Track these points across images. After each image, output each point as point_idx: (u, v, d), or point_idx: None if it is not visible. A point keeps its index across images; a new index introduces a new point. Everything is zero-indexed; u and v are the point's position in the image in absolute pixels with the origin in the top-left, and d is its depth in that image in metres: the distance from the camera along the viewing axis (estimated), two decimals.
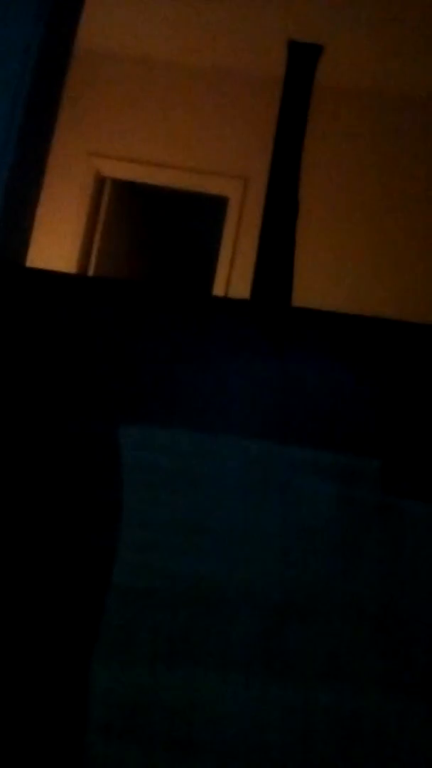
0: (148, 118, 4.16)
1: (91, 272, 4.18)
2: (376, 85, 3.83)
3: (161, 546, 0.97)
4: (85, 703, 0.89)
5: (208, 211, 4.44)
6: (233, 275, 4.04)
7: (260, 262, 1.46)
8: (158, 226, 5.04)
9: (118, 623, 0.93)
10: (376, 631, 0.93)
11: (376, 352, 1.08)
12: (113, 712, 0.89)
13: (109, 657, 0.91)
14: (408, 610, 0.94)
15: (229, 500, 0.99)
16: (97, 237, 4.23)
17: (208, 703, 0.90)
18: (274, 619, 0.93)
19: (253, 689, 0.90)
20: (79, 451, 1.03)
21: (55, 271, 1.24)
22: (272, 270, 1.43)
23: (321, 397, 1.06)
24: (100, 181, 4.25)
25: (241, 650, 0.92)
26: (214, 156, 4.13)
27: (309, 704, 0.90)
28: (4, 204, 1.38)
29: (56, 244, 3.93)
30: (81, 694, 0.90)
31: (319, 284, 3.48)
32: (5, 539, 0.99)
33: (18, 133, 1.47)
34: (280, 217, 1.47)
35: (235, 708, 0.90)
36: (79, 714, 0.89)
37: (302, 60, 1.48)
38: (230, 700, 0.90)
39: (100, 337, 1.08)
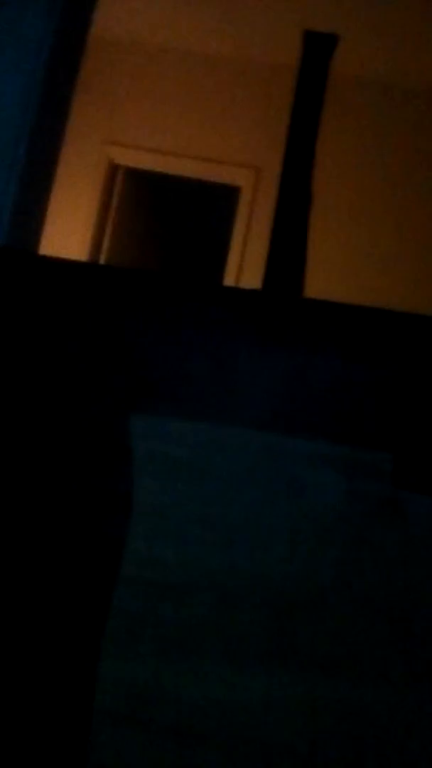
0: (162, 107, 4.15)
1: (102, 260, 4.17)
2: (392, 75, 3.80)
3: (170, 537, 0.97)
4: (91, 692, 0.90)
5: (220, 201, 4.42)
6: (244, 265, 4.03)
7: (273, 252, 1.45)
8: (170, 215, 5.03)
9: (126, 613, 0.93)
10: (385, 624, 0.93)
11: (387, 344, 1.07)
12: (120, 701, 0.89)
13: (117, 647, 0.92)
14: (417, 604, 0.94)
15: (238, 492, 0.99)
16: (109, 225, 4.23)
17: (214, 695, 0.90)
18: (282, 611, 0.93)
19: (260, 681, 0.91)
20: (89, 441, 1.03)
21: (67, 259, 1.24)
22: (284, 260, 1.43)
23: (331, 389, 1.06)
24: (113, 170, 4.24)
25: (249, 642, 0.92)
26: (227, 145, 4.11)
27: (316, 697, 0.90)
28: (18, 192, 1.38)
29: (68, 232, 3.93)
30: (88, 683, 0.90)
31: (330, 276, 3.47)
32: (15, 529, 1.00)
33: (33, 121, 1.48)
34: (294, 208, 1.46)
35: (242, 700, 0.90)
36: (85, 702, 0.90)
37: (317, 50, 1.48)
38: (237, 692, 0.90)
39: (111, 325, 1.08)
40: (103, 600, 0.94)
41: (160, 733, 0.88)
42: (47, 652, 0.95)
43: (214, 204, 4.66)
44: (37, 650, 0.95)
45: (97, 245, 4.17)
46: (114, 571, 0.95)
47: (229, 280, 4.02)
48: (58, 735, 0.91)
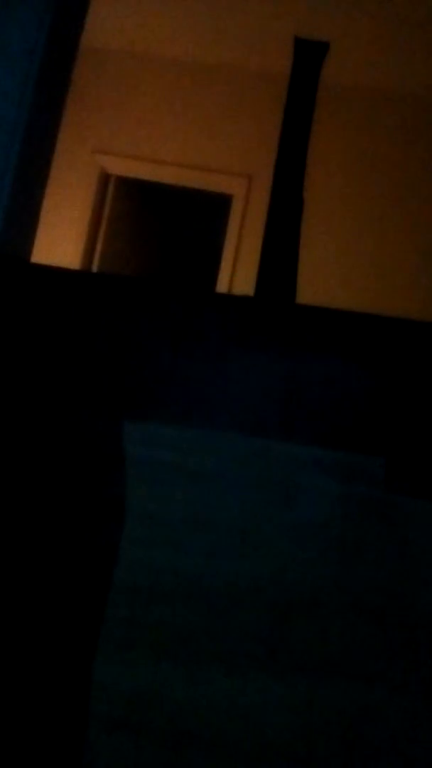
0: (153, 116, 4.16)
1: (94, 269, 4.18)
2: (382, 82, 3.83)
3: (164, 542, 0.97)
4: (87, 698, 0.90)
5: (211, 209, 4.43)
6: (237, 273, 4.04)
7: (265, 258, 1.46)
8: (162, 223, 5.04)
9: (122, 619, 0.93)
10: (380, 628, 0.94)
11: (379, 349, 1.08)
12: (116, 706, 0.89)
13: (113, 652, 0.91)
14: (411, 608, 0.94)
15: (233, 497, 1.00)
16: (101, 234, 4.23)
17: (210, 699, 0.90)
18: (277, 615, 0.93)
19: (256, 685, 0.91)
20: (83, 447, 1.03)
21: (60, 267, 1.24)
22: (277, 267, 1.43)
23: (324, 394, 1.06)
24: (105, 178, 4.25)
25: (244, 646, 0.92)
26: (219, 154, 4.13)
27: (312, 700, 0.90)
28: (9, 200, 1.38)
29: (61, 241, 3.93)
30: (84, 689, 0.90)
31: (323, 282, 3.48)
32: (9, 536, 0.99)
33: (24, 130, 1.48)
34: (285, 214, 1.47)
35: (238, 704, 0.90)
36: (81, 708, 0.90)
37: (308, 57, 1.48)
38: (233, 697, 0.90)
39: (104, 333, 1.09)
40: (97, 606, 0.94)
41: (156, 738, 0.87)
42: (43, 657, 0.95)
43: (205, 212, 4.67)
44: (32, 656, 0.95)
45: (89, 253, 4.17)
46: (108, 577, 0.95)
47: (221, 288, 4.03)
48: (55, 740, 0.91)
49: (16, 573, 0.98)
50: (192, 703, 0.89)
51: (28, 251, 1.56)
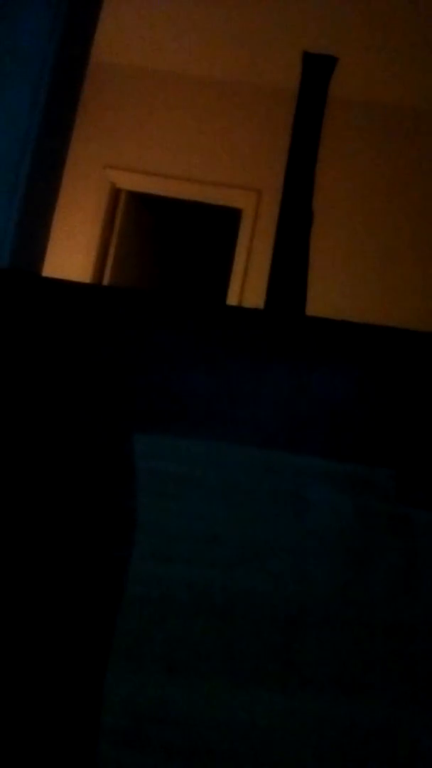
0: (163, 131, 4.19)
1: (105, 282, 4.20)
2: (390, 96, 3.84)
3: (174, 555, 0.97)
4: (98, 711, 0.89)
5: (221, 223, 4.45)
6: (246, 286, 4.05)
7: (274, 271, 1.46)
8: (172, 237, 5.06)
9: (132, 632, 0.93)
10: (389, 642, 0.93)
11: (389, 361, 1.07)
12: (126, 720, 0.89)
13: (123, 666, 0.91)
14: (421, 622, 0.93)
15: (242, 510, 0.99)
16: (112, 248, 4.25)
17: (219, 713, 0.89)
18: (288, 629, 0.93)
19: (265, 700, 0.90)
20: (93, 460, 1.03)
21: (71, 281, 1.25)
22: (286, 279, 1.44)
23: (334, 406, 1.06)
24: (115, 193, 4.28)
25: (254, 660, 0.92)
26: (228, 168, 4.15)
27: (321, 716, 0.89)
28: (21, 214, 1.40)
29: (72, 255, 3.96)
30: (94, 702, 0.90)
31: (333, 294, 3.48)
32: (20, 548, 0.99)
33: (35, 145, 1.49)
34: (295, 227, 1.47)
35: (248, 718, 0.89)
36: (91, 721, 0.89)
37: (316, 71, 1.49)
38: (242, 711, 0.90)
39: (115, 346, 1.09)
40: (107, 619, 0.93)
41: (166, 753, 0.87)
42: (53, 670, 0.95)
43: (215, 226, 4.69)
44: (43, 669, 0.95)
45: (100, 267, 4.20)
46: (118, 591, 0.95)
47: (231, 301, 4.04)
48: (65, 754, 0.91)
49: (25, 585, 0.98)
50: (202, 718, 0.89)
51: (40, 265, 1.57)
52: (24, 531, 1.00)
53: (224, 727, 0.89)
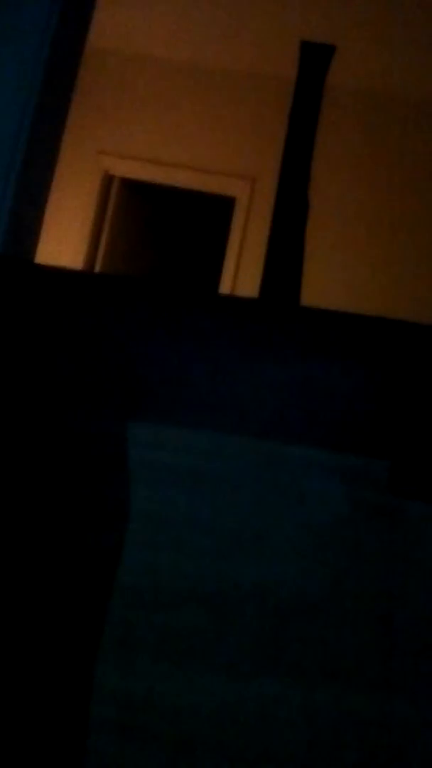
0: (157, 118, 4.16)
1: (97, 269, 4.18)
2: (388, 86, 3.83)
3: (167, 545, 0.97)
4: (88, 702, 0.89)
5: (214, 211, 4.44)
6: (240, 275, 4.04)
7: (270, 260, 1.45)
8: (165, 225, 5.04)
9: (123, 622, 0.93)
10: (383, 633, 0.93)
11: (384, 352, 1.07)
12: (117, 711, 0.89)
13: (114, 656, 0.91)
14: (416, 612, 0.94)
15: (236, 500, 0.99)
16: (105, 235, 4.23)
17: (212, 704, 0.89)
18: (280, 619, 0.93)
19: (257, 690, 0.90)
20: (87, 449, 1.03)
21: (64, 268, 1.24)
22: (281, 269, 1.43)
23: (329, 397, 1.06)
24: (108, 180, 4.25)
25: (247, 651, 0.92)
26: (222, 156, 4.13)
27: (314, 706, 0.89)
28: (14, 201, 1.38)
29: (64, 241, 3.93)
30: (84, 693, 0.90)
31: (328, 284, 3.48)
32: (11, 538, 0.99)
33: (28, 131, 1.48)
34: (290, 216, 1.47)
35: (239, 709, 0.90)
36: (82, 712, 0.89)
37: (314, 60, 1.48)
38: (234, 701, 0.90)
39: (108, 333, 1.08)
40: (99, 609, 0.93)
41: (157, 743, 0.87)
42: (43, 661, 0.94)
43: (209, 214, 4.68)
44: (33, 660, 0.94)
45: (91, 254, 4.18)
46: (110, 580, 0.94)
47: (224, 290, 4.03)
48: (55, 745, 0.91)
49: (16, 575, 0.98)
50: (194, 708, 0.89)
51: (33, 252, 1.56)
52: (14, 520, 1.00)
53: (215, 717, 0.89)
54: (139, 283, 1.14)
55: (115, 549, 0.96)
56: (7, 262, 1.26)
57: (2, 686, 0.93)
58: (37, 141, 1.50)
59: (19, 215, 1.41)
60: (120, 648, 0.92)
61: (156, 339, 1.08)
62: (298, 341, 1.09)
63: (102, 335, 1.08)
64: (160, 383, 1.06)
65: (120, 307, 1.10)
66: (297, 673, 0.91)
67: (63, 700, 0.92)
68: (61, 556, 0.98)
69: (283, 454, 1.01)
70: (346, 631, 0.93)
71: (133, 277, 4.47)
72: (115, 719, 0.88)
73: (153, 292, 1.14)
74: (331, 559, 0.96)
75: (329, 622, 0.93)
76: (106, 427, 1.03)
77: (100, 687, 0.90)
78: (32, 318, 1.09)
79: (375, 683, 0.91)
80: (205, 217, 4.85)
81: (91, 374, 1.06)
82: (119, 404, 1.05)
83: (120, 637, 0.92)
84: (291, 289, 1.42)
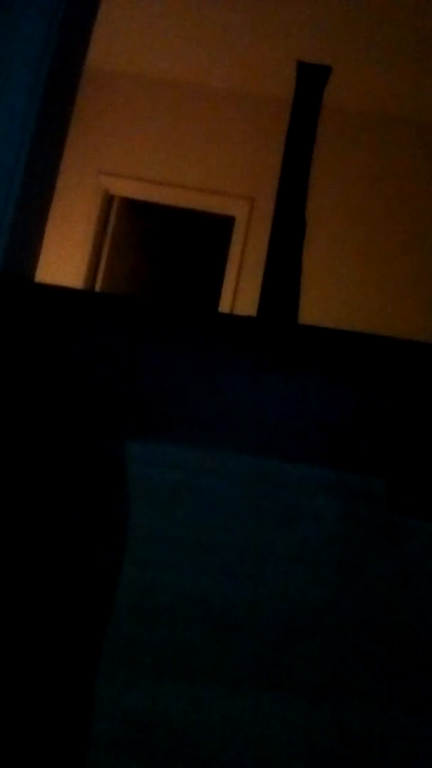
0: (156, 138, 4.20)
1: (98, 289, 4.20)
2: (384, 105, 3.86)
3: (165, 562, 0.97)
4: (88, 718, 0.89)
5: (214, 230, 4.46)
6: (239, 294, 4.05)
7: (267, 279, 1.46)
8: (165, 244, 5.06)
9: (123, 639, 0.93)
10: (382, 649, 0.93)
11: (382, 370, 1.08)
12: (117, 727, 0.88)
13: (114, 672, 0.91)
14: (413, 629, 0.93)
15: (233, 517, 0.99)
16: (105, 254, 4.25)
17: (211, 720, 0.89)
18: (280, 636, 0.93)
19: (258, 706, 0.90)
20: (85, 467, 1.03)
21: (63, 287, 1.25)
22: (279, 287, 1.44)
23: (326, 414, 1.06)
24: (108, 199, 4.28)
25: (245, 667, 0.92)
26: (221, 176, 4.16)
27: (313, 722, 0.89)
28: (14, 220, 1.39)
29: (64, 260, 3.95)
30: (85, 709, 0.90)
31: (325, 302, 3.49)
32: (11, 554, 0.99)
33: (28, 150, 1.49)
34: (288, 236, 1.48)
35: (239, 725, 0.89)
36: (82, 728, 0.89)
37: (311, 80, 1.50)
38: (233, 717, 0.89)
39: (107, 352, 1.09)
40: (99, 626, 0.93)
41: (157, 759, 0.87)
42: (44, 677, 0.94)
43: (208, 233, 4.70)
44: (34, 676, 0.94)
45: (92, 273, 4.19)
46: (110, 597, 0.94)
47: (224, 308, 4.04)
48: (55, 760, 0.90)
49: (17, 592, 0.97)
50: (193, 724, 0.88)
51: (33, 271, 1.57)
52: (15, 537, 1.00)
53: (214, 733, 0.88)
54: (139, 302, 1.14)
55: (114, 565, 0.96)
56: (6, 281, 1.27)
57: (3, 703, 0.93)
58: (37, 161, 1.51)
59: (19, 234, 1.42)
60: (119, 665, 0.92)
61: (155, 357, 1.08)
62: (295, 359, 1.09)
63: (101, 353, 1.09)
64: (160, 401, 1.07)
65: (119, 326, 1.10)
66: (297, 689, 0.91)
67: (63, 716, 0.92)
68: (60, 574, 0.98)
69: (281, 471, 1.01)
70: (345, 648, 0.93)
71: (132, 296, 4.48)
72: (115, 735, 0.88)
73: (153, 310, 1.15)
74: (329, 575, 0.96)
75: (328, 639, 0.93)
76: (105, 445, 1.03)
77: (101, 703, 0.90)
78: (31, 336, 1.09)
79: (375, 699, 0.91)
80: (204, 236, 4.88)
81: (90, 392, 1.07)
82: (118, 422, 1.05)
83: (119, 654, 0.92)
84: (289, 308, 1.43)
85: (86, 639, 0.94)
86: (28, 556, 0.99)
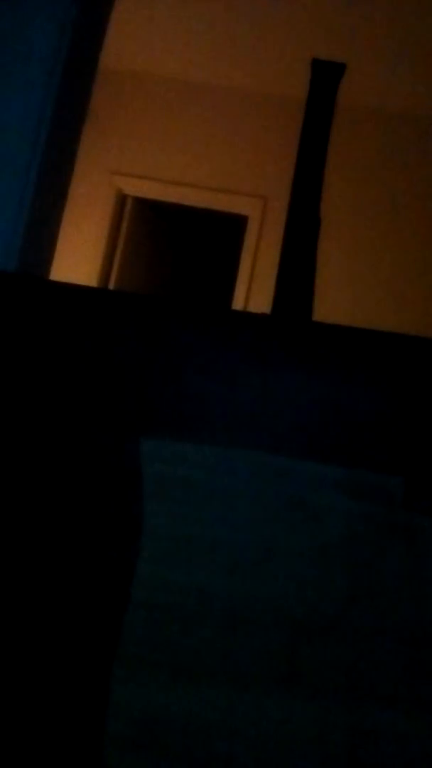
0: (170, 137, 4.20)
1: (111, 287, 4.21)
2: (398, 103, 3.85)
3: (179, 560, 0.97)
4: (103, 718, 0.89)
5: (227, 229, 4.46)
6: (252, 293, 4.05)
7: (281, 277, 1.46)
8: (178, 243, 5.07)
9: (137, 638, 0.93)
10: (397, 650, 0.92)
11: (397, 367, 1.07)
12: (131, 726, 0.88)
13: (128, 671, 0.91)
14: (428, 630, 0.93)
15: (247, 515, 0.99)
16: (118, 254, 4.26)
17: (225, 720, 0.89)
18: (293, 636, 0.93)
19: (271, 707, 0.90)
20: (99, 465, 1.03)
21: (78, 285, 1.25)
22: (293, 285, 1.43)
23: (341, 412, 1.06)
24: (122, 199, 4.29)
25: (260, 667, 0.91)
26: (234, 175, 4.16)
27: (327, 723, 0.89)
28: (29, 220, 1.40)
29: (78, 260, 3.97)
30: (99, 708, 0.90)
31: (340, 300, 3.49)
32: (24, 553, 0.99)
33: (43, 152, 1.49)
34: (302, 234, 1.47)
35: (253, 726, 0.89)
36: (96, 728, 0.89)
37: (325, 78, 1.49)
38: (248, 718, 0.89)
39: (121, 350, 1.09)
40: (112, 624, 0.93)
41: (172, 759, 0.87)
42: (57, 677, 0.94)
43: (221, 232, 4.70)
44: (46, 675, 0.94)
45: (105, 272, 4.21)
46: (123, 595, 0.94)
47: (237, 306, 4.04)
48: (70, 760, 0.90)
49: (30, 592, 0.98)
50: (206, 724, 0.88)
51: (47, 269, 1.57)
52: (29, 536, 1.00)
53: (229, 733, 0.88)
54: (153, 299, 1.14)
55: (129, 564, 0.96)
56: (21, 279, 1.27)
57: (16, 702, 0.93)
58: (51, 162, 1.51)
59: (34, 234, 1.43)
60: (133, 663, 0.92)
61: (169, 354, 1.08)
62: (310, 356, 1.09)
63: (115, 352, 1.09)
64: (172, 398, 1.07)
65: (132, 323, 1.10)
66: (311, 689, 0.90)
67: (78, 714, 0.92)
68: (74, 572, 0.98)
69: (295, 469, 1.01)
70: (360, 649, 0.92)
71: (146, 294, 4.49)
72: (130, 735, 0.88)
73: (166, 308, 1.15)
74: (344, 575, 0.96)
75: (343, 639, 0.93)
76: (119, 443, 1.03)
77: (115, 702, 0.90)
78: (46, 334, 1.09)
79: (390, 702, 0.90)
80: (217, 235, 4.87)
81: (103, 390, 1.07)
82: (132, 419, 1.05)
83: (133, 652, 0.92)
84: (303, 305, 1.43)
85: (99, 638, 0.94)
86: (41, 554, 0.99)
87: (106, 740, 0.88)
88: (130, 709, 0.89)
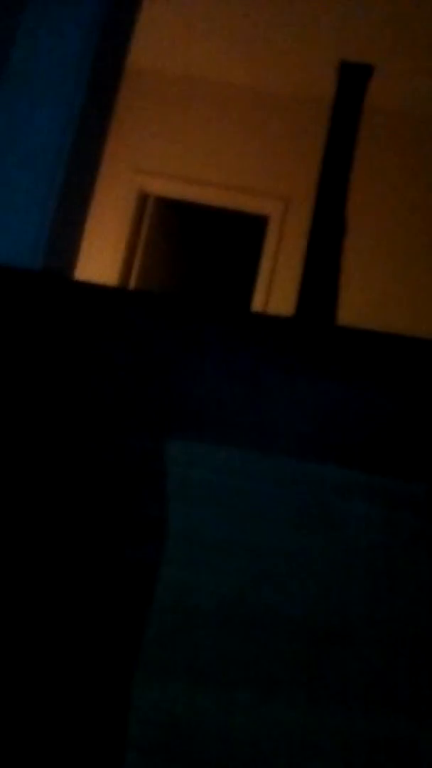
0: (192, 137, 4.20)
1: (132, 286, 4.22)
2: (426, 106, 3.82)
3: (203, 564, 0.96)
4: (125, 722, 0.89)
5: (248, 229, 4.45)
6: (272, 293, 4.05)
7: (306, 280, 1.45)
8: (199, 243, 5.07)
9: (159, 641, 0.92)
10: (418, 659, 0.92)
11: (422, 373, 1.06)
12: (153, 731, 0.88)
13: (150, 675, 0.91)
14: None
15: (271, 520, 0.99)
16: (139, 252, 4.27)
17: (247, 726, 0.89)
18: (317, 642, 0.92)
19: (294, 713, 0.89)
20: (124, 467, 1.03)
21: (101, 284, 1.25)
22: (317, 288, 1.43)
23: (366, 418, 1.05)
24: (143, 198, 4.30)
25: (282, 673, 0.91)
26: (256, 176, 4.15)
27: (350, 731, 0.88)
28: (55, 219, 1.40)
29: (99, 258, 3.98)
30: (121, 712, 0.89)
31: (365, 304, 3.47)
32: (47, 555, 0.99)
33: (69, 151, 1.50)
34: (327, 236, 1.47)
35: (275, 732, 0.89)
36: (119, 732, 0.89)
37: (352, 80, 1.48)
38: (270, 724, 0.89)
39: (144, 350, 1.09)
40: (135, 628, 0.93)
41: (194, 765, 0.86)
42: (81, 682, 0.94)
43: (242, 232, 4.69)
44: (69, 680, 0.94)
45: (126, 272, 4.21)
46: (146, 598, 0.94)
47: (257, 307, 4.04)
48: (92, 765, 0.90)
49: (53, 595, 0.98)
50: (229, 729, 0.88)
51: (72, 269, 1.57)
52: (52, 538, 1.00)
53: (250, 739, 0.88)
54: (175, 299, 1.14)
55: (153, 566, 0.96)
56: (48, 278, 1.28)
57: (39, 707, 0.93)
58: (77, 162, 1.52)
59: (59, 234, 1.43)
60: (157, 668, 0.91)
61: (192, 356, 1.08)
62: (334, 361, 1.08)
63: (138, 352, 1.09)
64: (197, 401, 1.06)
65: (156, 324, 1.10)
66: (335, 697, 0.90)
67: (100, 718, 0.92)
68: (97, 575, 0.98)
69: (320, 475, 1.00)
70: (384, 657, 0.92)
71: (167, 293, 4.50)
72: (152, 739, 0.88)
73: (188, 308, 1.14)
74: (367, 582, 0.95)
75: (367, 648, 0.92)
76: (144, 445, 1.03)
77: (137, 708, 0.90)
78: (70, 334, 1.10)
79: (414, 710, 0.90)
80: (238, 235, 4.87)
81: (128, 390, 1.07)
82: (157, 422, 1.05)
83: (157, 656, 0.92)
84: (327, 308, 1.42)
85: (122, 641, 0.94)
86: (64, 557, 0.99)
87: (129, 745, 0.88)
88: (153, 714, 0.89)
